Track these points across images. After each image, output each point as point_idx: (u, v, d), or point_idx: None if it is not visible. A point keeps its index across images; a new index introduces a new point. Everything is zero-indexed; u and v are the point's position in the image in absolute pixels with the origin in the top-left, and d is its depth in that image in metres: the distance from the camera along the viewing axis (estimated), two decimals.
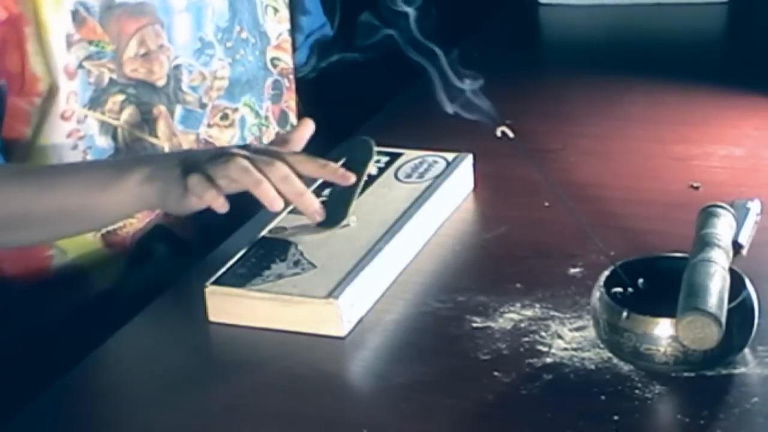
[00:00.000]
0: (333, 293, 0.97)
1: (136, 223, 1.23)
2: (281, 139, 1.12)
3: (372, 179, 1.18)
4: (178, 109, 1.25)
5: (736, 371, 0.88)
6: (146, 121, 1.22)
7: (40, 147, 1.17)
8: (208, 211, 1.03)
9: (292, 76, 1.39)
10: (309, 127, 1.11)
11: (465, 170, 1.21)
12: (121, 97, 1.20)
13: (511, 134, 1.24)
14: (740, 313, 0.87)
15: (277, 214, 1.11)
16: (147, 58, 1.21)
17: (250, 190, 1.01)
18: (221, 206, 1.00)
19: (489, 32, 1.79)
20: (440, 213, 1.16)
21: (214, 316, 1.01)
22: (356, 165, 1.09)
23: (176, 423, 0.89)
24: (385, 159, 1.22)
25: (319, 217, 1.06)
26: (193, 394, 0.92)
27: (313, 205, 1.05)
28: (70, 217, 1.10)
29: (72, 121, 1.17)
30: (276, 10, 1.35)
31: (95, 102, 1.18)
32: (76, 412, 0.92)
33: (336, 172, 1.06)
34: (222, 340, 1.00)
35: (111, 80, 1.19)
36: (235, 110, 1.31)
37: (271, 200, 1.01)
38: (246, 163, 1.01)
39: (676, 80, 1.50)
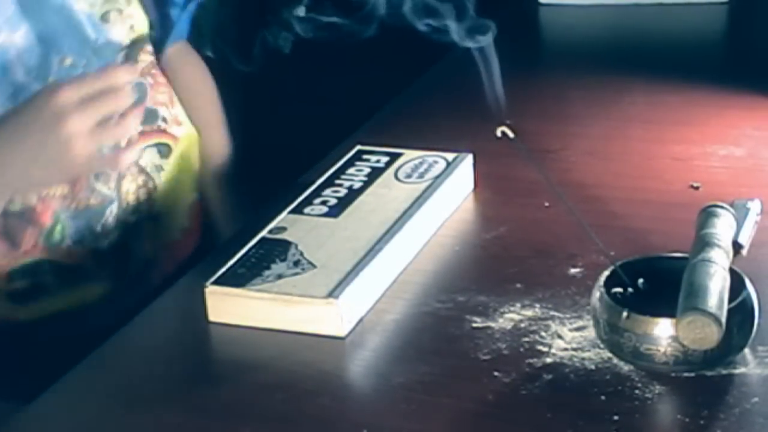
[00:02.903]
0: (333, 293, 0.97)
1: None
2: None
3: (372, 179, 1.18)
4: None
5: (736, 371, 0.88)
6: None
7: None
8: None
9: (155, 71, 1.32)
10: None
11: (465, 170, 1.21)
12: None
13: (511, 134, 1.24)
14: (740, 313, 0.87)
15: (277, 214, 1.11)
16: None
17: None
18: None
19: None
20: (440, 213, 1.16)
21: (214, 316, 1.01)
22: None
23: (176, 423, 0.89)
24: (385, 159, 1.22)
25: None
26: (193, 394, 0.92)
27: None
28: None
29: None
30: (120, 11, 1.25)
31: None
32: (76, 412, 0.92)
33: None
34: (222, 340, 1.00)
35: None
36: None
37: None
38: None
39: (676, 80, 1.50)
